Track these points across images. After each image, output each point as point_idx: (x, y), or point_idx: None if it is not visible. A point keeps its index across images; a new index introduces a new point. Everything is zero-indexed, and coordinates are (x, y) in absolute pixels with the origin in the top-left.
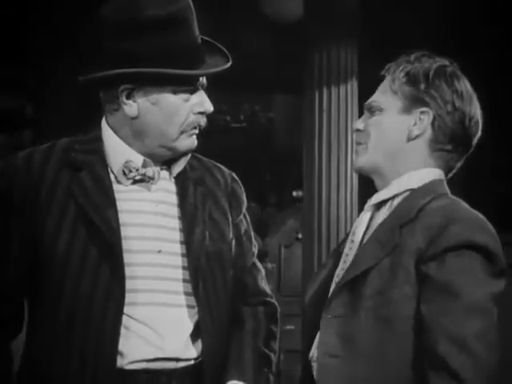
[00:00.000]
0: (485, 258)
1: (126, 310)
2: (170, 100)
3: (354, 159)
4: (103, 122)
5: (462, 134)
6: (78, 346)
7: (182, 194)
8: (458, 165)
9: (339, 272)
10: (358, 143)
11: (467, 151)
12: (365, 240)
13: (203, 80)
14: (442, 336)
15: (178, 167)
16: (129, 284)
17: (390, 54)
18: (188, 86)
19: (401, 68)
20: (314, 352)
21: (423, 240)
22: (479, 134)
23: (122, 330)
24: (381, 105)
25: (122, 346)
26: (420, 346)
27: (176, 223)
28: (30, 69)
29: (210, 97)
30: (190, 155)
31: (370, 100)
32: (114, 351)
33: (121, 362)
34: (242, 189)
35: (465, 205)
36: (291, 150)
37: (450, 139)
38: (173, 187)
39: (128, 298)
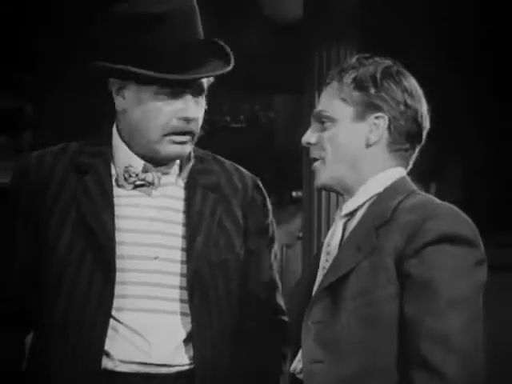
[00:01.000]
0: (465, 248)
1: (116, 314)
2: (151, 101)
3: (315, 178)
4: (114, 125)
5: (416, 130)
6: (69, 348)
7: (189, 200)
8: (414, 157)
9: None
10: (314, 159)
11: (420, 144)
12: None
13: (193, 84)
14: (424, 335)
15: (184, 172)
16: (119, 289)
17: (389, 54)
18: (170, 89)
19: (347, 74)
20: (296, 365)
21: (401, 238)
22: (428, 127)
23: (112, 334)
24: (332, 115)
25: (111, 348)
26: (404, 344)
27: (179, 230)
28: (29, 70)
29: (209, 97)
30: (190, 163)
31: (318, 110)
32: (100, 352)
33: (111, 365)
34: (265, 195)
35: (437, 200)
36: (291, 150)
37: (406, 138)
38: (181, 193)
39: (116, 302)
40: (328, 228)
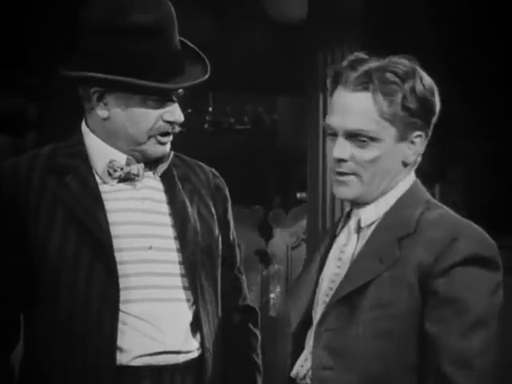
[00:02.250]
0: (491, 271)
1: (122, 307)
2: (139, 107)
3: (341, 189)
4: (83, 125)
5: (432, 128)
6: (77, 346)
7: (170, 191)
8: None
9: (327, 291)
10: (346, 174)
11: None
12: (355, 256)
13: (177, 90)
14: (446, 353)
15: (163, 166)
16: (122, 282)
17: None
18: (159, 96)
19: (392, 94)
20: (298, 370)
21: (427, 255)
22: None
23: (122, 327)
24: (375, 135)
25: (123, 342)
26: (422, 360)
27: (167, 219)
28: (32, 70)
29: (214, 99)
30: (171, 153)
31: (354, 127)
32: (112, 348)
33: (123, 359)
34: (224, 182)
35: (459, 216)
36: (295, 152)
37: (425, 144)
38: (159, 185)
39: (123, 295)
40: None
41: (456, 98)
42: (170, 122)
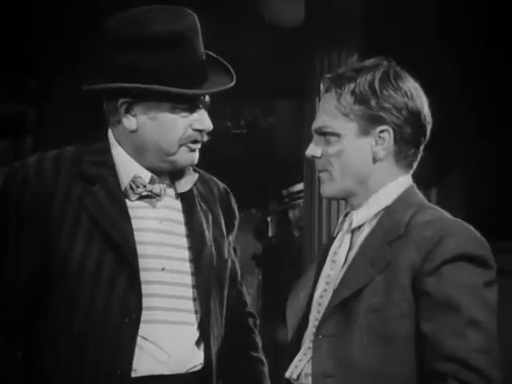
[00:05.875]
0: (480, 269)
1: None
2: (168, 116)
3: (321, 187)
4: (109, 134)
5: (421, 132)
6: (91, 359)
7: (188, 212)
8: (419, 156)
9: (322, 293)
10: (320, 171)
11: (425, 140)
12: (348, 259)
13: (205, 98)
14: (444, 354)
15: (186, 185)
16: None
17: (391, 59)
18: (187, 103)
19: (344, 87)
20: (292, 371)
21: (417, 255)
22: (431, 122)
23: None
24: (335, 130)
25: (136, 363)
26: (421, 362)
27: (183, 241)
28: (31, 74)
29: (210, 103)
30: (197, 175)
31: (319, 125)
32: (128, 368)
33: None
34: (234, 200)
35: (449, 215)
36: (292, 156)
37: (412, 143)
38: (178, 205)
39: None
40: (329, 234)
41: (455, 100)
42: (200, 131)
